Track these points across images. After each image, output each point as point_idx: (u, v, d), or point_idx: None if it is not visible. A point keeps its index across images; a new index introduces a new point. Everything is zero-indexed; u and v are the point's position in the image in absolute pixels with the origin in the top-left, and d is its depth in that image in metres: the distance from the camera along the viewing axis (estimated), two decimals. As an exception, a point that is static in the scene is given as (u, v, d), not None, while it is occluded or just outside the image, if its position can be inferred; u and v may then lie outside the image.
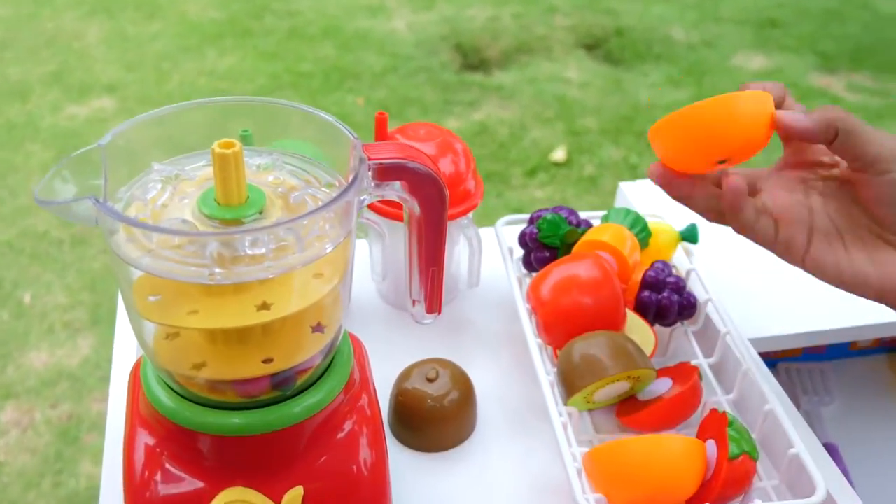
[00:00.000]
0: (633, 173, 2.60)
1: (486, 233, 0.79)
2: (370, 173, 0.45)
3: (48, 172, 0.42)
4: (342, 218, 0.44)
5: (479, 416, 0.66)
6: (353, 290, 0.75)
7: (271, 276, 0.41)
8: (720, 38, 3.41)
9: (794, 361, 0.95)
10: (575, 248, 0.68)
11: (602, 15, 3.52)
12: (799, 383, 0.93)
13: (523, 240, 0.70)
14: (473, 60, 3.16)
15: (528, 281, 0.71)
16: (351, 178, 0.44)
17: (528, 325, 0.64)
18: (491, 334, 0.73)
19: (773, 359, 0.94)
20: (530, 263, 0.70)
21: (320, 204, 0.45)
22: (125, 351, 0.65)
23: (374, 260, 0.73)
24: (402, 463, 0.61)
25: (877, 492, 0.82)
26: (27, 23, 3.26)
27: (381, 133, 0.65)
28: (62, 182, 0.41)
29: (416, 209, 0.46)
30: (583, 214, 0.73)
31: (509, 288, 0.72)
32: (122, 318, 0.67)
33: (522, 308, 0.66)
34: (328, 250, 0.43)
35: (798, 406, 0.90)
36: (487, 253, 0.77)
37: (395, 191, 0.45)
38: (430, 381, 0.62)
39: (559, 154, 2.66)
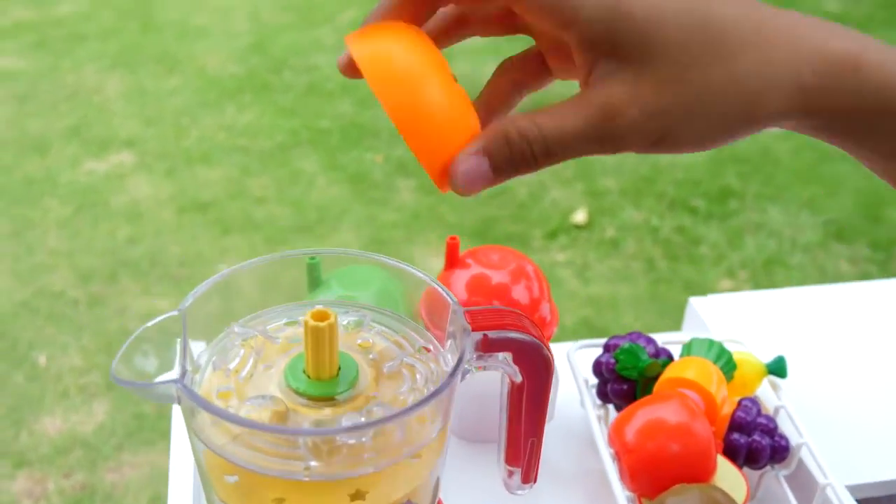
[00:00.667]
0: (655, 235, 2.57)
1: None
2: (473, 345, 0.41)
3: (125, 344, 0.38)
4: (446, 399, 0.40)
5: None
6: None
7: (373, 471, 0.37)
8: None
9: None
10: (657, 386, 0.63)
11: (621, 74, 3.52)
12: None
13: (598, 369, 0.66)
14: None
15: (602, 412, 0.67)
16: (451, 348, 0.40)
17: (612, 474, 0.60)
18: (569, 475, 0.68)
19: None
20: (605, 395, 0.66)
21: (417, 375, 0.41)
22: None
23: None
24: None
25: None
26: (47, 76, 3.26)
27: (451, 258, 0.61)
28: (143, 357, 0.37)
29: (518, 378, 0.43)
30: (660, 340, 0.69)
31: (585, 421, 0.68)
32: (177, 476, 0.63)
33: (602, 442, 0.62)
34: (433, 437, 0.39)
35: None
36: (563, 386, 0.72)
37: (500, 362, 0.41)
38: None
39: (580, 216, 2.64)
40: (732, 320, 0.79)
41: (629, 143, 0.37)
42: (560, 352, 0.71)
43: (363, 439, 0.37)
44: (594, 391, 0.68)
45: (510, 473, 0.47)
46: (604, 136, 0.37)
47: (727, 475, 0.60)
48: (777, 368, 0.67)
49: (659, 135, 0.36)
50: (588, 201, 2.71)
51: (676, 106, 0.36)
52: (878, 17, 4.35)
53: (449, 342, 0.42)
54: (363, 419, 0.38)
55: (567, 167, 2.87)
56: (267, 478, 0.40)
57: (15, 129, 2.93)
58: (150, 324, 0.39)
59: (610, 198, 2.74)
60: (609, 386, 0.65)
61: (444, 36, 0.44)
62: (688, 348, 0.67)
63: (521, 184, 2.78)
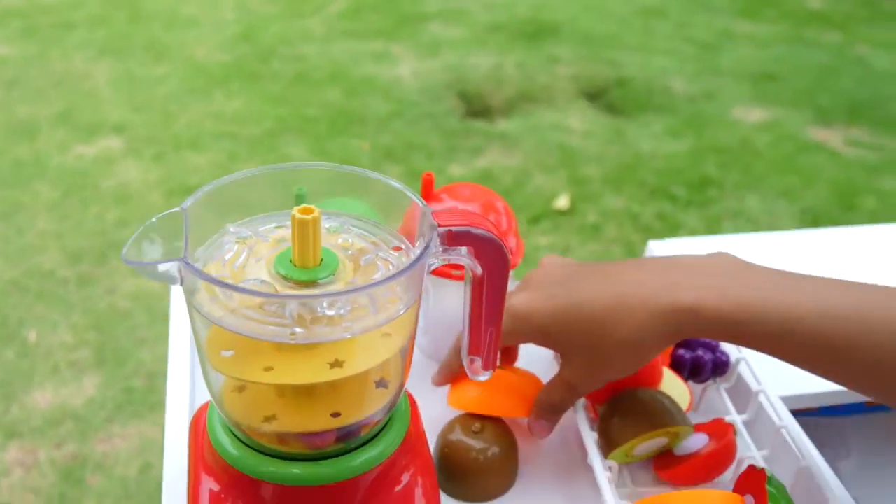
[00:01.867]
0: (636, 222, 2.64)
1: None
2: (439, 239, 0.47)
3: (135, 233, 0.44)
4: (413, 282, 0.46)
5: (521, 468, 0.67)
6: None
7: (349, 337, 0.43)
8: (720, 90, 3.47)
9: (811, 416, 0.97)
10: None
11: (604, 65, 3.59)
12: (817, 437, 0.95)
13: None
14: (477, 108, 3.21)
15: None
16: (420, 243, 0.46)
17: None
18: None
19: (791, 412, 0.96)
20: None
21: (390, 267, 0.47)
22: (178, 400, 0.66)
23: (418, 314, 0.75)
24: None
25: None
26: (36, 63, 3.30)
27: (427, 192, 0.67)
28: (150, 244, 0.43)
29: (479, 271, 0.49)
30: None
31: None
32: (175, 364, 0.69)
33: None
34: (401, 312, 0.45)
35: (816, 461, 0.92)
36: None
37: (462, 256, 0.48)
38: (475, 433, 0.64)
39: (562, 202, 2.70)
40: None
41: (585, 392, 0.63)
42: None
43: (341, 311, 0.43)
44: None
45: (472, 361, 0.53)
46: (572, 394, 0.63)
47: (672, 386, 0.67)
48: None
49: (598, 383, 0.62)
50: (571, 188, 2.77)
51: (597, 369, 0.61)
52: (858, 14, 4.44)
53: (419, 242, 0.48)
54: (342, 296, 0.44)
55: (550, 156, 2.93)
56: (258, 349, 0.46)
57: (4, 114, 2.97)
58: (155, 218, 0.45)
59: (592, 185, 2.80)
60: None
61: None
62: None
63: (506, 171, 2.84)
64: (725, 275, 0.57)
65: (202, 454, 0.52)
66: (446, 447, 0.64)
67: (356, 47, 3.58)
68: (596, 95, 3.38)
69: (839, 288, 0.56)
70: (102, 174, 2.69)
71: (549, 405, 0.64)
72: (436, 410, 0.69)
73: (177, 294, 0.78)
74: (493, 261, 0.48)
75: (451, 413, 0.68)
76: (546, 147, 2.99)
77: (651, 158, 2.97)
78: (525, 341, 0.63)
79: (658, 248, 0.89)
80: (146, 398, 1.98)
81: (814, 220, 2.73)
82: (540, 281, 0.63)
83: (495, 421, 0.66)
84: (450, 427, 0.65)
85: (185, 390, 0.66)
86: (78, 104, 3.05)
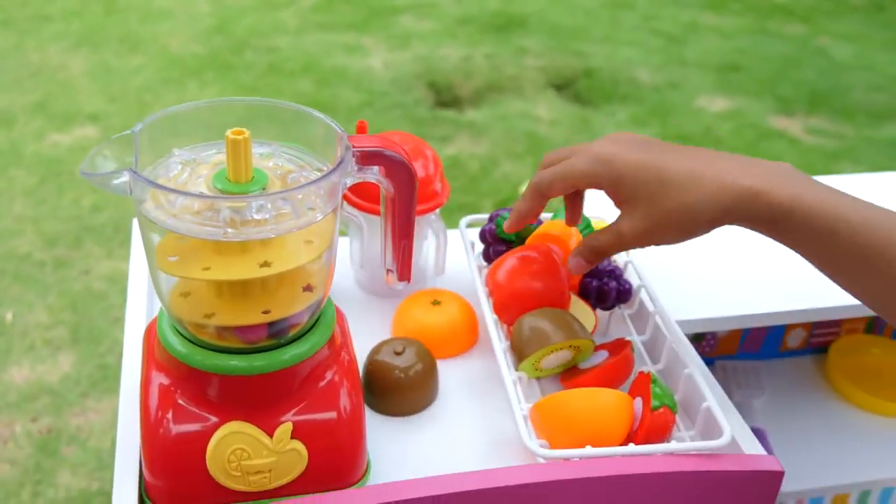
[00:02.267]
0: (598, 206, 2.72)
1: (452, 234, 0.89)
2: (353, 159, 0.55)
3: (91, 150, 0.51)
4: (330, 194, 0.54)
5: (441, 385, 0.75)
6: (335, 277, 0.86)
7: (272, 237, 0.51)
8: (684, 80, 3.57)
9: (730, 359, 1.05)
10: (528, 241, 0.78)
11: (572, 56, 3.68)
12: (734, 378, 1.03)
13: (483, 236, 0.80)
14: (446, 98, 3.29)
15: (486, 270, 0.81)
16: (337, 161, 0.54)
17: (485, 305, 0.75)
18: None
19: (711, 356, 1.05)
20: (489, 256, 0.80)
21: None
22: (135, 326, 0.74)
23: (354, 251, 0.83)
24: (373, 425, 0.71)
25: (798, 469, 0.92)
26: (12, 53, 3.35)
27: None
28: (103, 159, 0.51)
29: (391, 190, 0.57)
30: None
31: (470, 276, 0.83)
32: (135, 291, 0.77)
33: (481, 291, 0.76)
34: (318, 218, 0.53)
35: (731, 397, 1.00)
36: (452, 250, 0.88)
37: (374, 174, 0.56)
38: (398, 354, 0.72)
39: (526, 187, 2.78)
40: (601, 206, 0.96)
41: (634, 247, 0.67)
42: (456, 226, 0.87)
43: (266, 216, 0.51)
44: (480, 255, 0.83)
45: (388, 272, 0.61)
46: (621, 247, 0.67)
47: (579, 311, 0.75)
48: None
49: (647, 242, 0.66)
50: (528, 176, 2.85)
51: (653, 226, 0.65)
52: (822, 7, 4.55)
53: (338, 161, 0.55)
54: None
55: (517, 143, 3.02)
56: (198, 253, 0.54)
57: (-19, 104, 3.02)
58: (110, 139, 0.52)
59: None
60: (491, 248, 0.79)
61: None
62: (555, 216, 0.82)
63: (474, 158, 2.91)
64: (788, 175, 0.62)
65: (153, 355, 0.59)
66: (371, 366, 0.73)
67: (328, 39, 3.65)
68: (563, 86, 3.46)
69: (882, 208, 0.60)
70: (78, 161, 2.74)
71: (593, 247, 0.69)
72: (370, 337, 0.77)
73: (136, 237, 0.85)
74: (402, 180, 0.56)
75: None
76: (513, 135, 3.07)
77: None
78: (597, 186, 0.67)
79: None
80: (120, 374, 2.03)
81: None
82: (621, 138, 0.67)
83: (416, 343, 0.74)
84: (375, 349, 0.73)
85: (141, 316, 0.74)
86: (54, 94, 3.10)
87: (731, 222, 0.63)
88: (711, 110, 3.36)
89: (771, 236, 0.63)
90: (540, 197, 0.72)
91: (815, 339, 1.06)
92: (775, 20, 4.30)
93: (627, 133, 0.69)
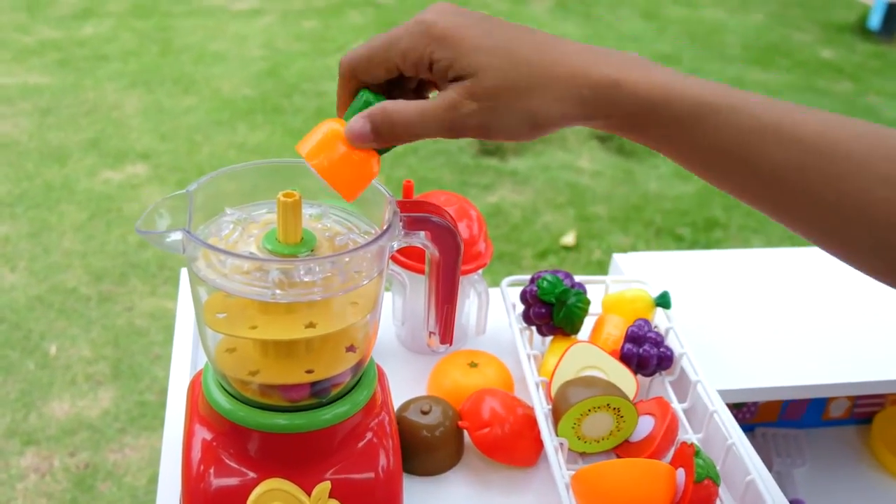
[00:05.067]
0: (639, 260, 2.71)
1: (493, 293, 0.90)
2: (400, 224, 0.56)
3: (147, 209, 0.53)
4: (377, 258, 0.55)
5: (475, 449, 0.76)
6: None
7: (318, 299, 0.52)
8: (728, 135, 3.55)
9: (770, 426, 1.04)
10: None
11: (615, 109, 3.68)
12: (774, 446, 1.02)
13: (524, 297, 0.81)
14: (490, 146, 3.31)
15: (527, 333, 0.82)
16: (385, 227, 0.55)
17: (526, 366, 0.75)
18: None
19: (752, 423, 1.03)
20: (529, 317, 0.81)
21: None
22: (180, 375, 0.75)
23: (396, 307, 0.84)
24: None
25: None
26: (70, 92, 3.45)
27: (407, 197, 0.76)
28: (159, 217, 0.52)
29: (436, 255, 0.57)
30: (579, 279, 0.84)
31: (511, 337, 0.83)
32: (180, 345, 0.78)
33: (522, 351, 0.76)
34: (364, 283, 0.54)
35: (770, 467, 0.99)
36: (493, 310, 0.88)
37: (420, 239, 0.57)
38: (424, 413, 0.73)
39: (569, 238, 2.78)
40: (644, 271, 0.96)
41: (466, 128, 0.52)
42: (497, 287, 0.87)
43: (314, 278, 0.52)
44: (520, 315, 0.83)
45: (431, 335, 0.61)
46: (451, 122, 0.52)
47: (620, 376, 0.75)
48: (663, 300, 0.83)
49: (486, 125, 0.52)
50: (578, 225, 2.85)
51: (497, 105, 0.51)
52: (869, 65, 4.52)
53: (385, 226, 0.56)
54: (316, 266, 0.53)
55: (560, 194, 3.02)
56: (246, 312, 0.55)
57: (37, 140, 3.10)
58: (164, 197, 0.54)
59: (599, 223, 2.88)
60: (531, 310, 0.80)
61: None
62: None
63: (516, 207, 2.92)
64: (645, 64, 0.53)
65: (197, 409, 0.60)
66: (398, 424, 0.73)
67: (376, 85, 3.70)
68: (607, 137, 3.47)
69: (759, 95, 0.53)
70: (127, 199, 2.80)
71: (389, 113, 0.53)
72: (408, 394, 0.78)
73: (184, 294, 0.87)
74: (448, 246, 0.57)
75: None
76: (555, 186, 3.08)
77: (658, 199, 3.05)
78: (421, 64, 0.53)
79: (621, 260, 0.98)
80: (158, 412, 2.05)
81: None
82: (448, 9, 0.54)
83: (443, 403, 0.74)
84: (403, 406, 0.74)
85: (186, 365, 0.75)
86: (107, 132, 3.18)
87: (584, 120, 0.53)
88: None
89: (629, 135, 0.54)
90: (351, 76, 0.57)
91: (859, 409, 1.05)
92: (823, 77, 4.28)
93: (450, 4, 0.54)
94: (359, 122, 0.53)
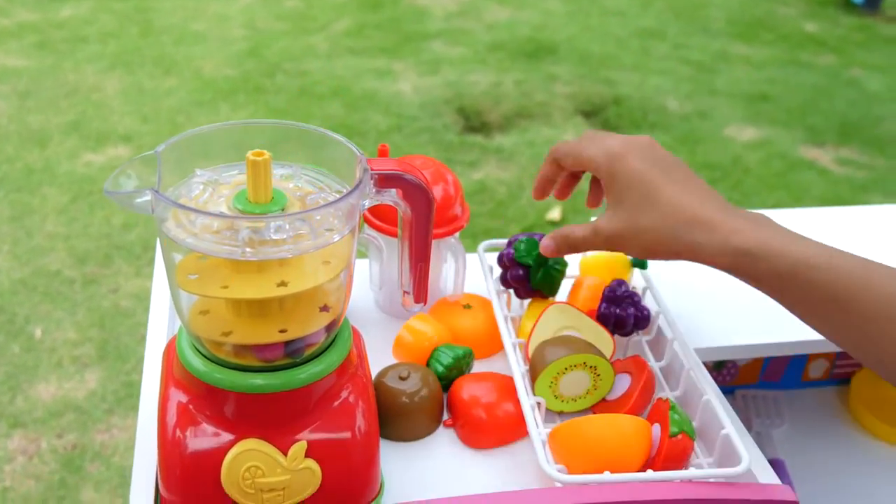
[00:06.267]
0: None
1: (471, 258, 0.90)
2: (372, 181, 0.56)
3: (115, 170, 0.52)
4: (347, 216, 0.55)
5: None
6: (354, 298, 0.86)
7: (289, 256, 0.52)
8: (713, 109, 3.56)
9: (750, 388, 1.05)
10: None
11: (601, 84, 3.68)
12: (753, 407, 1.03)
13: (501, 260, 0.81)
14: (475, 123, 3.30)
15: (504, 296, 0.82)
16: (356, 184, 0.55)
17: (504, 329, 0.75)
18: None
19: (732, 385, 1.04)
20: (507, 281, 0.81)
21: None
22: (156, 342, 0.75)
23: (373, 272, 0.84)
24: (382, 448, 0.71)
25: (817, 501, 0.91)
26: (49, 74, 3.42)
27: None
28: (126, 178, 0.52)
29: (408, 213, 0.57)
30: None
31: (489, 299, 0.83)
32: (157, 309, 0.78)
33: (500, 315, 0.77)
34: (335, 239, 0.54)
35: (750, 427, 0.99)
36: (470, 274, 0.88)
37: (392, 197, 0.56)
38: (403, 379, 0.73)
39: (554, 213, 2.78)
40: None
41: (604, 248, 0.71)
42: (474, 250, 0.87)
43: (284, 236, 0.52)
44: (497, 278, 0.83)
45: (405, 294, 0.61)
46: (593, 243, 0.71)
47: (598, 336, 0.75)
48: (639, 262, 0.83)
49: (616, 246, 0.69)
50: (564, 201, 2.86)
51: (623, 234, 0.68)
52: (853, 38, 4.52)
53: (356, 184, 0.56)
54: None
55: (544, 170, 3.02)
56: (217, 272, 0.55)
57: (17, 123, 3.07)
58: (133, 159, 0.53)
59: (584, 198, 2.86)
60: (509, 273, 0.80)
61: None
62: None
63: (501, 184, 2.92)
64: (755, 220, 0.65)
65: (172, 373, 0.60)
66: (375, 389, 0.73)
67: (359, 64, 3.69)
68: (592, 113, 3.47)
69: (846, 252, 0.62)
70: (110, 180, 2.78)
71: (566, 235, 0.73)
72: (387, 359, 0.78)
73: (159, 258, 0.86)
74: (420, 203, 0.57)
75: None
76: (541, 161, 3.07)
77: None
78: (595, 173, 0.70)
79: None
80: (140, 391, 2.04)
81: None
82: (642, 145, 0.69)
83: (422, 369, 0.74)
84: (381, 373, 0.74)
85: (162, 336, 0.75)
86: (88, 114, 3.15)
87: (692, 258, 0.66)
88: (740, 140, 3.35)
89: (743, 278, 0.65)
90: (554, 163, 0.75)
91: (838, 370, 1.05)
92: (806, 51, 4.29)
93: (656, 145, 0.70)
94: (547, 242, 0.74)
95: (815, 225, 1.06)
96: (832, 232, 1.05)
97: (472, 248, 0.88)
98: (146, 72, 3.49)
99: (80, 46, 3.67)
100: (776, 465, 0.94)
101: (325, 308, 0.58)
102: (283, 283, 0.54)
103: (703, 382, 0.70)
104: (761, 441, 0.97)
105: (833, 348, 0.87)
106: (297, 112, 3.24)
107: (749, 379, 1.03)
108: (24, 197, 2.68)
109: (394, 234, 0.78)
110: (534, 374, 0.71)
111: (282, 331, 0.56)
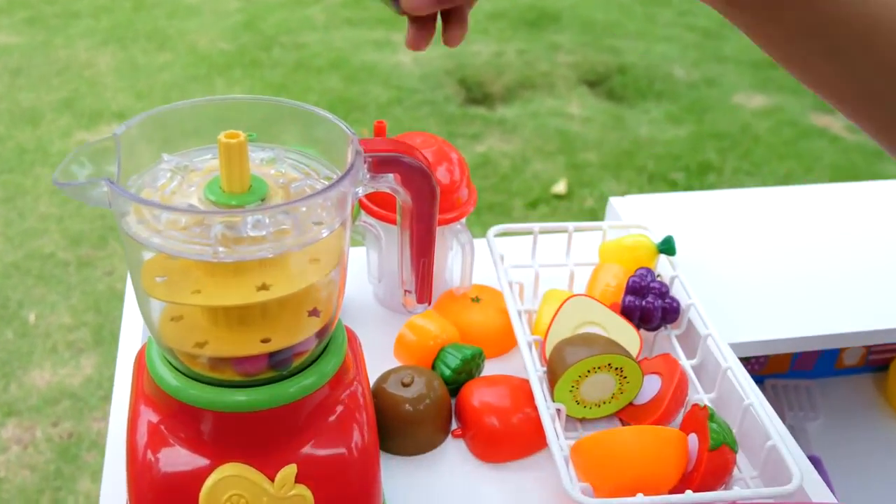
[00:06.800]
0: (633, 207, 2.64)
1: (479, 244, 0.82)
2: (366, 166, 0.48)
3: (66, 157, 0.45)
4: (338, 206, 0.47)
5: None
6: (351, 292, 0.79)
7: (270, 256, 0.44)
8: (721, 77, 3.46)
9: (781, 378, 0.97)
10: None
11: (605, 53, 3.58)
12: (785, 399, 0.95)
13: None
14: (477, 95, 3.22)
15: (517, 287, 0.74)
16: (347, 169, 0.47)
17: (518, 325, 0.67)
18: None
19: (761, 374, 0.97)
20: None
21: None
22: (130, 347, 0.68)
23: (371, 263, 0.76)
24: (384, 463, 0.63)
25: (856, 501, 0.84)
26: (40, 51, 3.33)
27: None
28: (79, 167, 0.44)
29: (409, 201, 0.49)
30: (578, 227, 0.77)
31: (499, 291, 0.75)
32: (129, 316, 0.70)
33: (512, 308, 0.69)
34: (324, 235, 0.46)
35: (783, 420, 0.92)
36: (478, 262, 0.80)
37: (389, 183, 0.48)
38: (406, 385, 0.65)
39: (560, 187, 2.70)
40: (643, 215, 0.88)
41: None
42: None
43: (263, 232, 0.44)
44: (509, 268, 0.75)
45: (406, 293, 0.54)
46: None
47: (622, 331, 0.67)
48: (667, 247, 0.75)
49: None
50: (569, 173, 2.78)
51: None
52: None
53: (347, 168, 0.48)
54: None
55: (549, 142, 2.94)
56: (188, 274, 0.47)
57: (8, 101, 2.99)
58: (88, 143, 0.45)
59: (590, 170, 2.80)
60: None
61: None
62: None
63: (505, 156, 2.84)
64: None
65: (142, 388, 0.53)
66: (375, 398, 0.65)
67: (357, 35, 3.59)
68: (596, 82, 3.37)
69: None
70: (103, 159, 2.71)
71: None
72: (389, 358, 0.70)
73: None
74: (421, 190, 0.49)
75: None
76: (545, 133, 2.99)
77: (650, 144, 2.97)
78: None
79: (618, 203, 0.90)
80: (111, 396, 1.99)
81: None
82: None
83: (427, 373, 0.66)
84: (382, 378, 0.66)
85: (137, 334, 0.67)
86: (81, 91, 3.07)
87: None
88: (749, 107, 3.26)
89: (755, 20, 0.46)
90: None
91: (874, 356, 0.98)
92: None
93: None
94: None
95: (828, 200, 0.99)
96: (847, 207, 0.98)
97: (475, 227, 0.80)
98: (139, 47, 3.40)
99: (71, 22, 3.58)
100: (813, 462, 0.87)
101: (314, 312, 0.50)
102: (264, 287, 0.46)
103: (744, 385, 0.63)
104: (796, 436, 0.90)
105: (874, 339, 0.79)
106: (294, 86, 3.15)
107: (779, 368, 0.96)
108: (17, 178, 2.61)
109: (393, 222, 0.70)
110: (552, 377, 0.63)
111: (265, 340, 0.48)
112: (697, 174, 2.83)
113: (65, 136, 2.81)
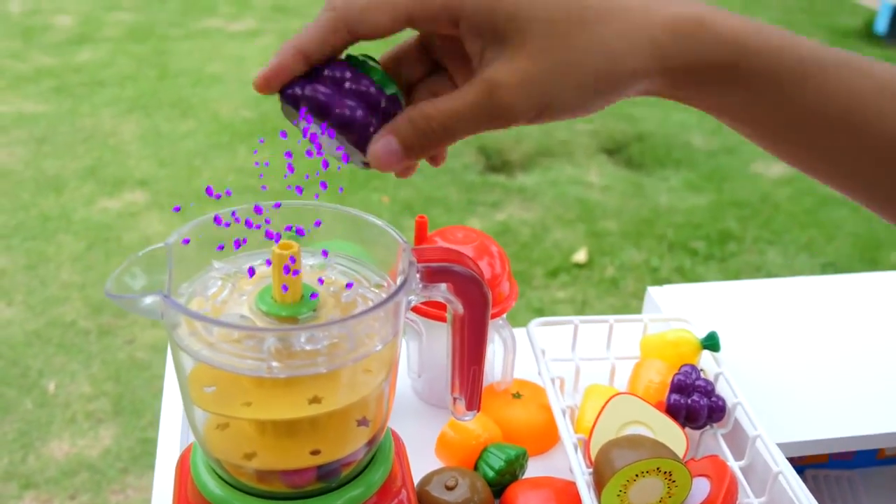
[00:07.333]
0: (654, 276, 2.62)
1: (518, 335, 0.81)
2: (418, 276, 0.47)
3: (119, 268, 0.45)
4: (391, 317, 0.46)
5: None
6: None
7: (324, 371, 0.44)
8: (740, 145, 3.47)
9: (821, 468, 0.95)
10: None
11: (623, 121, 3.61)
12: (826, 490, 0.93)
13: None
14: (496, 162, 3.23)
15: (558, 381, 0.73)
16: (400, 279, 0.46)
17: (562, 424, 0.66)
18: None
19: (800, 465, 0.94)
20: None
21: (370, 303, 0.47)
22: (170, 440, 0.67)
23: (411, 357, 0.75)
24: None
25: None
26: (66, 119, 3.38)
27: (421, 235, 0.68)
28: (131, 278, 0.44)
29: (460, 309, 0.49)
30: (619, 318, 0.75)
31: (540, 386, 0.74)
32: (169, 407, 0.69)
33: (557, 408, 0.67)
34: (378, 349, 0.45)
35: (826, 513, 0.90)
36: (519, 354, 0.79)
37: (441, 292, 0.48)
38: (450, 489, 0.63)
39: (580, 255, 2.70)
40: (683, 306, 0.87)
41: (516, 113, 0.41)
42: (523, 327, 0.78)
43: (318, 346, 0.43)
44: (549, 362, 0.74)
45: (455, 401, 0.53)
46: (492, 110, 0.40)
47: (667, 431, 0.66)
48: (711, 343, 0.74)
49: (539, 101, 0.40)
50: (589, 242, 2.77)
51: (549, 72, 0.40)
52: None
53: (400, 279, 0.48)
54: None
55: (569, 210, 2.94)
56: (238, 385, 0.46)
57: (33, 169, 3.03)
58: (139, 253, 0.45)
59: (610, 239, 2.80)
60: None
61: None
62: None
63: (524, 224, 2.84)
64: (725, 11, 0.43)
65: (185, 494, 0.52)
66: (420, 502, 0.63)
67: (378, 103, 3.63)
68: (615, 150, 3.39)
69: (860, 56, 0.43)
70: (126, 227, 2.73)
71: (427, 115, 0.42)
72: (428, 455, 0.69)
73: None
74: (473, 298, 0.48)
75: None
76: (565, 201, 3.00)
77: (670, 213, 2.97)
78: (450, 20, 0.41)
79: (657, 294, 0.89)
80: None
81: (836, 274, 2.70)
82: None
83: (471, 475, 0.65)
84: (425, 480, 0.65)
85: (176, 436, 0.66)
86: (105, 159, 3.11)
87: (658, 75, 0.42)
88: (768, 175, 3.26)
89: (704, 96, 0.43)
90: (340, 24, 0.43)
91: (916, 445, 0.96)
92: (833, 82, 4.20)
93: None
94: (381, 142, 0.42)
95: (813, 295, 0.97)
96: (835, 302, 0.96)
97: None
98: (163, 115, 3.44)
99: (97, 90, 3.64)
100: (858, 559, 0.84)
101: (363, 422, 0.49)
102: (316, 399, 0.45)
103: (797, 491, 0.61)
104: (839, 531, 0.87)
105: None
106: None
107: (819, 458, 0.94)
108: (39, 245, 2.62)
109: (434, 318, 0.70)
110: (599, 480, 0.62)
111: (314, 452, 0.47)
112: (718, 243, 2.83)
113: (88, 204, 2.83)
